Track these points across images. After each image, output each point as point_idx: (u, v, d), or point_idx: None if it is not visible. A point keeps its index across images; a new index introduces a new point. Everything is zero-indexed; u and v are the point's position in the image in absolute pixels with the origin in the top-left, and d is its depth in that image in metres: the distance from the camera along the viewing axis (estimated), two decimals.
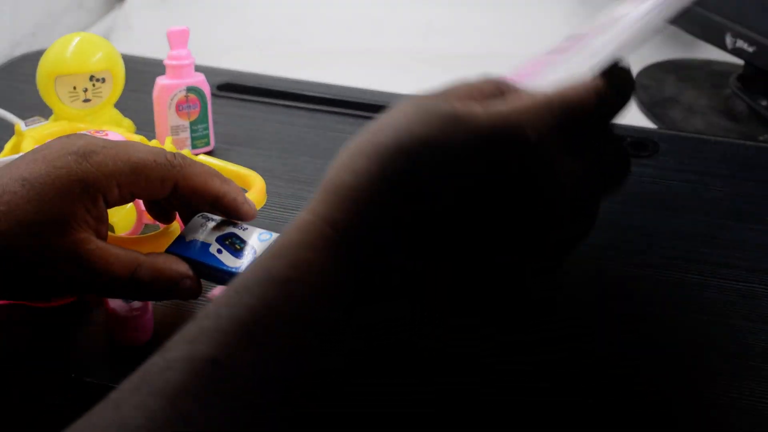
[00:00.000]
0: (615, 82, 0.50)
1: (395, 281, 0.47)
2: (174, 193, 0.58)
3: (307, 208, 0.47)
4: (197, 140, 0.79)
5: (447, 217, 0.46)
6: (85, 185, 0.55)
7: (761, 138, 0.98)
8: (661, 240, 0.68)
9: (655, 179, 0.75)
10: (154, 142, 0.73)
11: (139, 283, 0.56)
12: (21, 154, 0.72)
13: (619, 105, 0.51)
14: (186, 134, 0.78)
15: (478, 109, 0.47)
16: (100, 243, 0.56)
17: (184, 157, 0.59)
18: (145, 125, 0.80)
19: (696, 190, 0.74)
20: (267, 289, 0.45)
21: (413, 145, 0.46)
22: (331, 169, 0.48)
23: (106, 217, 0.57)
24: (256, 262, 0.47)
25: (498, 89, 0.50)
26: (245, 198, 0.60)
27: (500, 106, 0.48)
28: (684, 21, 1.05)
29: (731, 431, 0.53)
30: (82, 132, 0.63)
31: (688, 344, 0.59)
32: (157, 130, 0.78)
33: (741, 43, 0.99)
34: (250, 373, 0.43)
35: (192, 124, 0.78)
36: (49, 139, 0.72)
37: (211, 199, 0.59)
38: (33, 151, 0.58)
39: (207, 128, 0.79)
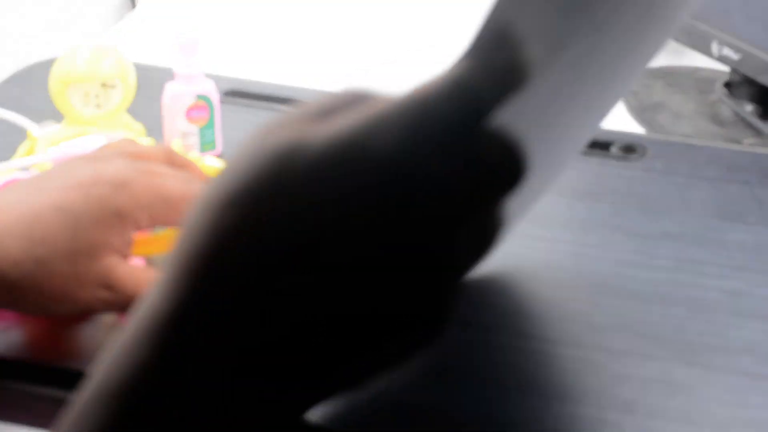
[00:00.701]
0: (483, 58, 0.38)
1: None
2: None
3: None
4: (205, 145, 0.81)
5: (311, 271, 0.37)
6: (120, 216, 0.57)
7: (746, 142, 1.00)
8: (649, 240, 0.69)
9: (643, 181, 0.76)
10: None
11: None
12: (34, 156, 0.74)
13: (496, 87, 0.38)
14: (194, 139, 0.81)
15: (319, 131, 0.39)
16: (129, 266, 0.58)
17: None
18: (155, 129, 0.83)
19: (683, 191, 0.75)
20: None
21: (243, 195, 0.38)
22: None
23: (132, 241, 0.59)
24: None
25: (356, 100, 0.41)
26: None
27: (343, 120, 0.39)
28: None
29: (714, 424, 0.54)
30: (103, 148, 0.64)
31: (675, 340, 0.60)
32: (166, 134, 0.81)
33: (727, 51, 1.01)
34: None
35: (200, 129, 0.81)
36: (63, 143, 0.74)
37: None
38: (63, 173, 0.59)
39: (214, 134, 0.81)
